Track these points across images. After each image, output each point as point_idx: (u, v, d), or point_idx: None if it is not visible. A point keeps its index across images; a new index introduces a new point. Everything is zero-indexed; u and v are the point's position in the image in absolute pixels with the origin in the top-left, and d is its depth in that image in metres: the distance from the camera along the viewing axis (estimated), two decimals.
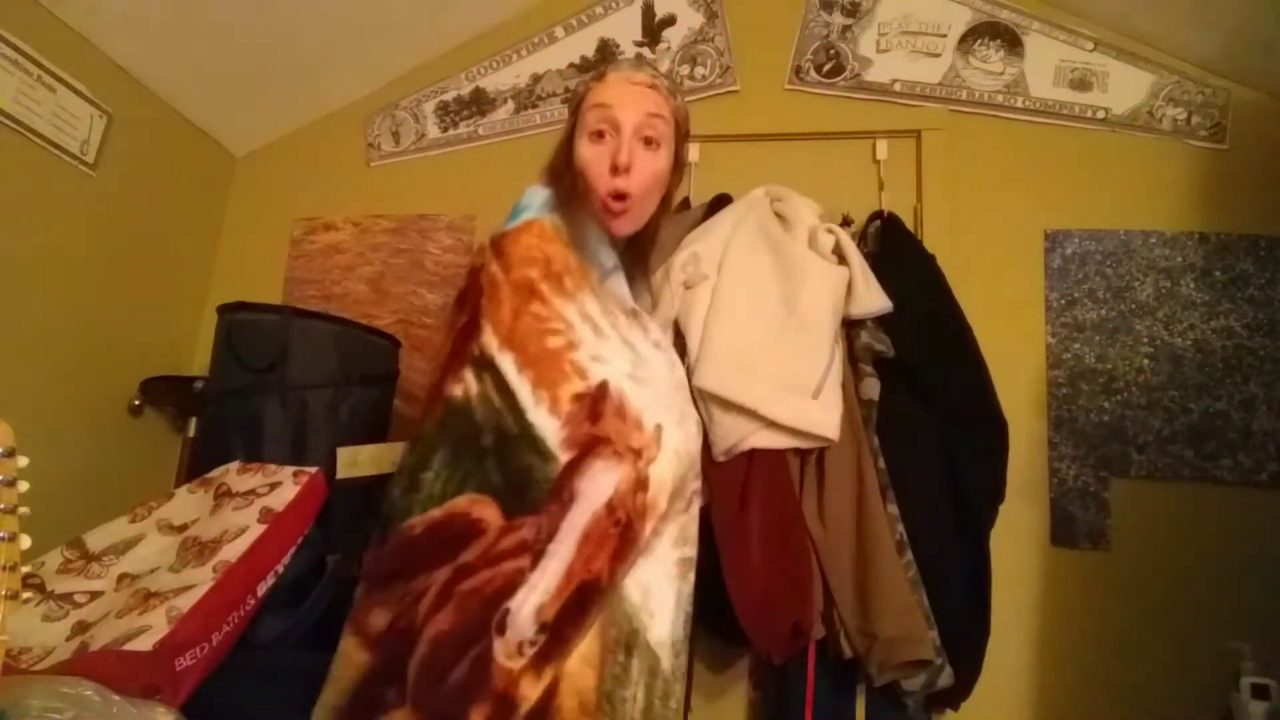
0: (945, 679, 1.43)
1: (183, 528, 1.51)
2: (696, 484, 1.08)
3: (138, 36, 1.85)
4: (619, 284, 1.12)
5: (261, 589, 1.38)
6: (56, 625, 1.33)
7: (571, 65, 2.18)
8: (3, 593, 0.75)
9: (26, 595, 0.95)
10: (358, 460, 1.59)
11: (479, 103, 2.22)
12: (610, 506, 0.96)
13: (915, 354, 1.58)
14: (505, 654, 0.85)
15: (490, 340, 0.96)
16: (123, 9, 1.77)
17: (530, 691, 0.88)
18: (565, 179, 1.10)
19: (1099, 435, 1.75)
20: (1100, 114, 1.92)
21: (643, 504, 0.97)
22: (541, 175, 1.15)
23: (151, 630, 1.24)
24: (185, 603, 1.28)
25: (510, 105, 2.20)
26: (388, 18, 2.08)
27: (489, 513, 0.92)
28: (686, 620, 1.01)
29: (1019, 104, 1.95)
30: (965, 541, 1.52)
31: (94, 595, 1.39)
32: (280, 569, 1.42)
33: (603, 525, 0.94)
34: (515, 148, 2.17)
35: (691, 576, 1.03)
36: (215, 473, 1.59)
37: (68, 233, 1.78)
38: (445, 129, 2.23)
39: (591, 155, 1.07)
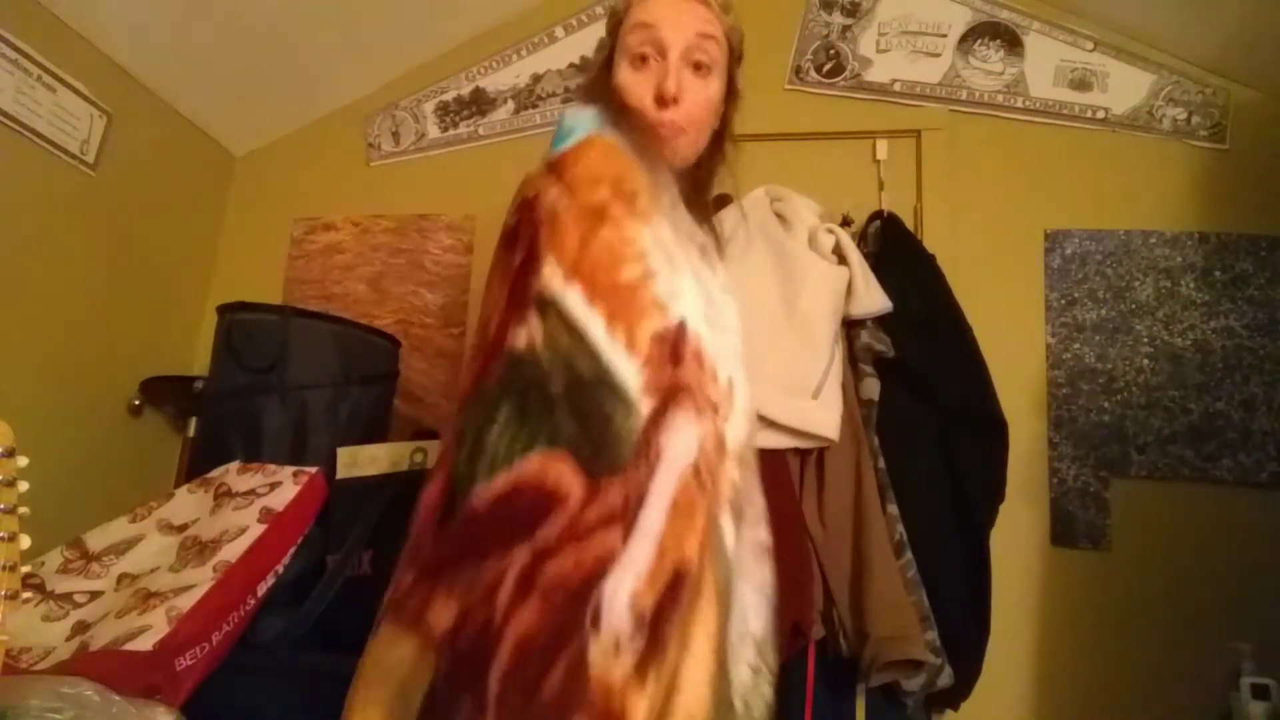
0: (945, 679, 1.43)
1: (183, 528, 1.51)
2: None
3: (138, 36, 1.85)
4: (683, 217, 0.95)
5: (261, 589, 1.38)
6: (56, 625, 1.33)
7: (571, 65, 2.18)
8: (3, 593, 0.76)
9: (26, 595, 0.95)
10: (358, 460, 1.59)
11: (479, 103, 2.22)
12: (696, 469, 0.80)
13: (915, 354, 1.58)
14: (602, 656, 0.68)
15: (554, 274, 0.79)
16: (123, 9, 1.77)
17: (636, 705, 0.69)
18: (608, 102, 0.93)
19: (1099, 435, 1.75)
20: (1100, 114, 1.92)
21: (722, 470, 0.85)
22: (577, 96, 1.02)
23: (151, 630, 1.24)
24: (185, 603, 1.28)
25: (510, 105, 2.20)
26: (388, 18, 2.08)
27: (567, 474, 0.73)
28: (772, 615, 0.87)
29: (1019, 104, 1.95)
30: (965, 541, 1.52)
31: (94, 595, 1.39)
32: (280, 569, 1.42)
33: (691, 492, 0.79)
34: (515, 148, 2.17)
35: (769, 565, 0.88)
36: (215, 473, 1.59)
37: (68, 233, 1.78)
38: (445, 129, 2.23)
39: (633, 82, 0.93)
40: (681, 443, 0.79)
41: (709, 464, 0.81)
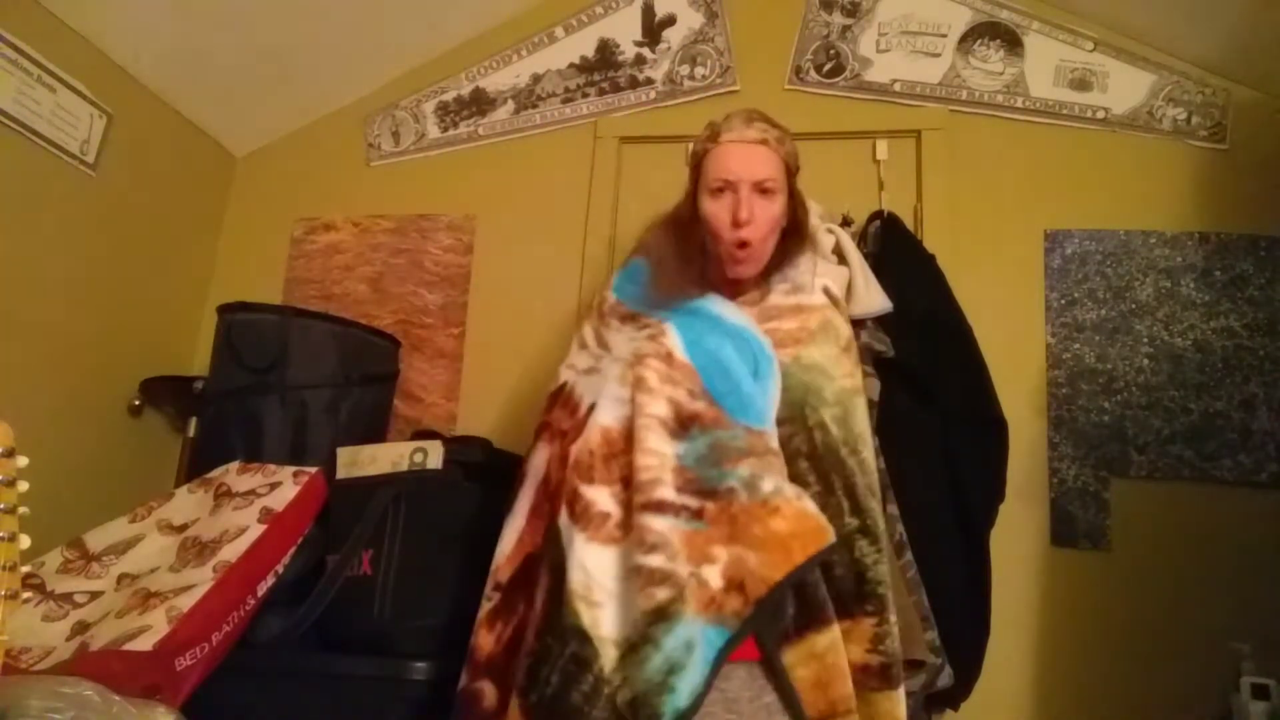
0: (945, 679, 1.43)
1: (183, 528, 1.51)
2: (642, 472, 1.08)
3: (138, 36, 1.85)
4: (685, 309, 1.29)
5: (261, 589, 1.39)
6: (56, 625, 1.33)
7: (571, 65, 2.18)
8: (3, 593, 0.76)
9: (26, 595, 0.95)
10: (358, 460, 1.59)
11: (479, 103, 2.22)
12: (545, 480, 1.22)
13: (915, 354, 1.58)
14: (480, 611, 1.20)
15: None
16: (123, 9, 1.77)
17: (483, 641, 1.17)
18: (687, 231, 1.30)
19: (1099, 435, 1.75)
20: (1100, 114, 1.92)
21: (561, 479, 1.15)
22: (652, 231, 1.45)
23: (151, 630, 1.24)
24: (185, 603, 1.28)
25: (510, 105, 2.20)
26: (388, 18, 2.08)
27: None
28: (647, 632, 0.99)
29: (1019, 104, 1.95)
30: (965, 541, 1.52)
31: (94, 595, 1.39)
32: (280, 569, 1.42)
33: (539, 499, 1.21)
34: (515, 148, 2.17)
35: (657, 594, 1.00)
36: (215, 473, 1.60)
37: (68, 233, 1.78)
38: (445, 129, 2.23)
39: (714, 209, 1.21)
40: (535, 463, 1.26)
41: (552, 476, 1.20)
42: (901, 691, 1.09)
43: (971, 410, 1.56)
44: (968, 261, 1.80)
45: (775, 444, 1.12)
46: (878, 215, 1.81)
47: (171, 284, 2.11)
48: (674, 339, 1.20)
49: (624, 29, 2.16)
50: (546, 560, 1.11)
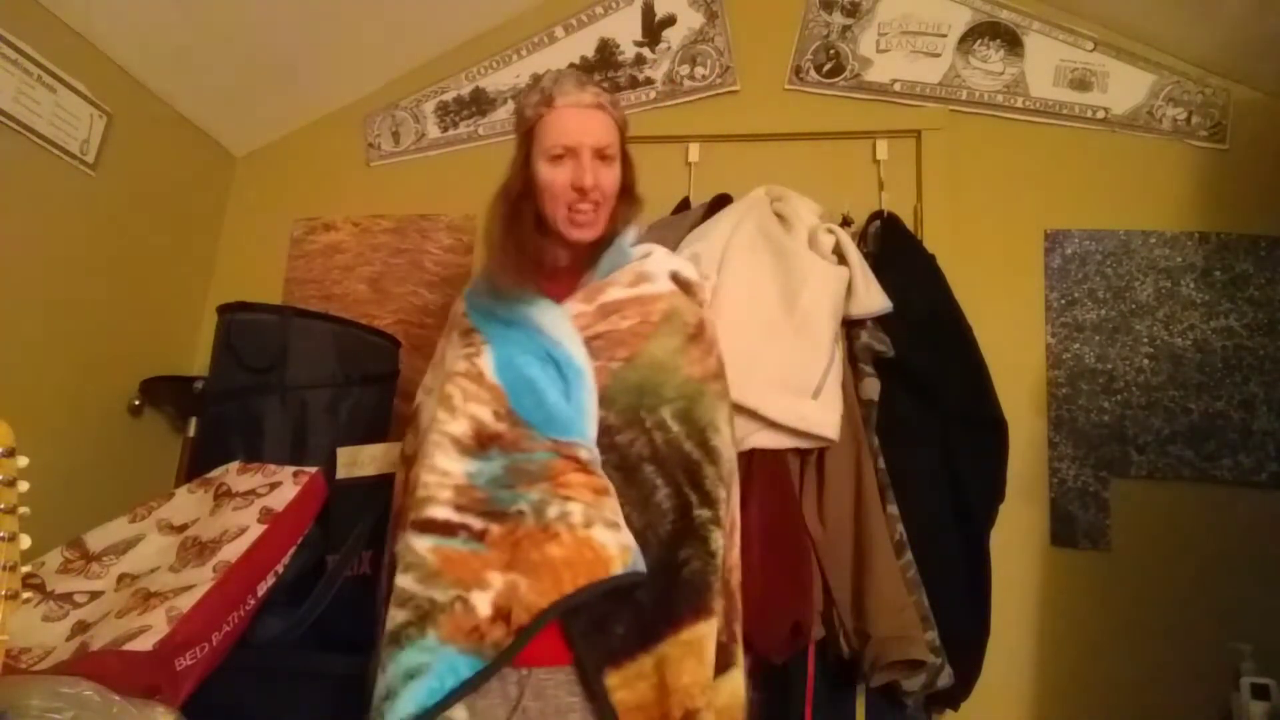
0: (945, 679, 1.43)
1: (183, 528, 1.51)
2: (419, 489, 1.10)
3: (138, 36, 1.85)
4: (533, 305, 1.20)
5: (261, 589, 1.38)
6: (56, 625, 1.33)
7: (571, 65, 2.18)
8: (3, 593, 0.76)
9: (26, 595, 0.95)
10: (358, 460, 1.59)
11: (479, 103, 2.22)
12: (399, 509, 1.24)
13: (915, 354, 1.58)
14: None
15: None
16: (123, 9, 1.77)
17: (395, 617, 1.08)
18: (518, 207, 1.19)
19: (1099, 435, 1.75)
20: (1100, 114, 1.92)
21: (403, 505, 1.20)
22: (491, 208, 1.25)
23: (151, 630, 1.24)
24: (185, 603, 1.28)
25: (510, 105, 2.20)
26: (388, 18, 2.08)
27: None
28: (382, 656, 1.00)
29: (1019, 104, 1.95)
30: (965, 542, 1.52)
31: (94, 595, 1.39)
32: (280, 569, 1.42)
33: (394, 528, 1.25)
34: None
35: (396, 616, 1.01)
36: (215, 473, 1.59)
37: (68, 233, 1.78)
38: (445, 129, 2.23)
39: (554, 175, 1.15)
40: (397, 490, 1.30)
41: (399, 503, 1.25)
42: (739, 671, 1.09)
43: (971, 410, 1.56)
44: (968, 261, 1.79)
45: (590, 457, 1.06)
46: (878, 215, 1.81)
47: (171, 284, 2.11)
48: (487, 358, 1.16)
49: (624, 29, 2.16)
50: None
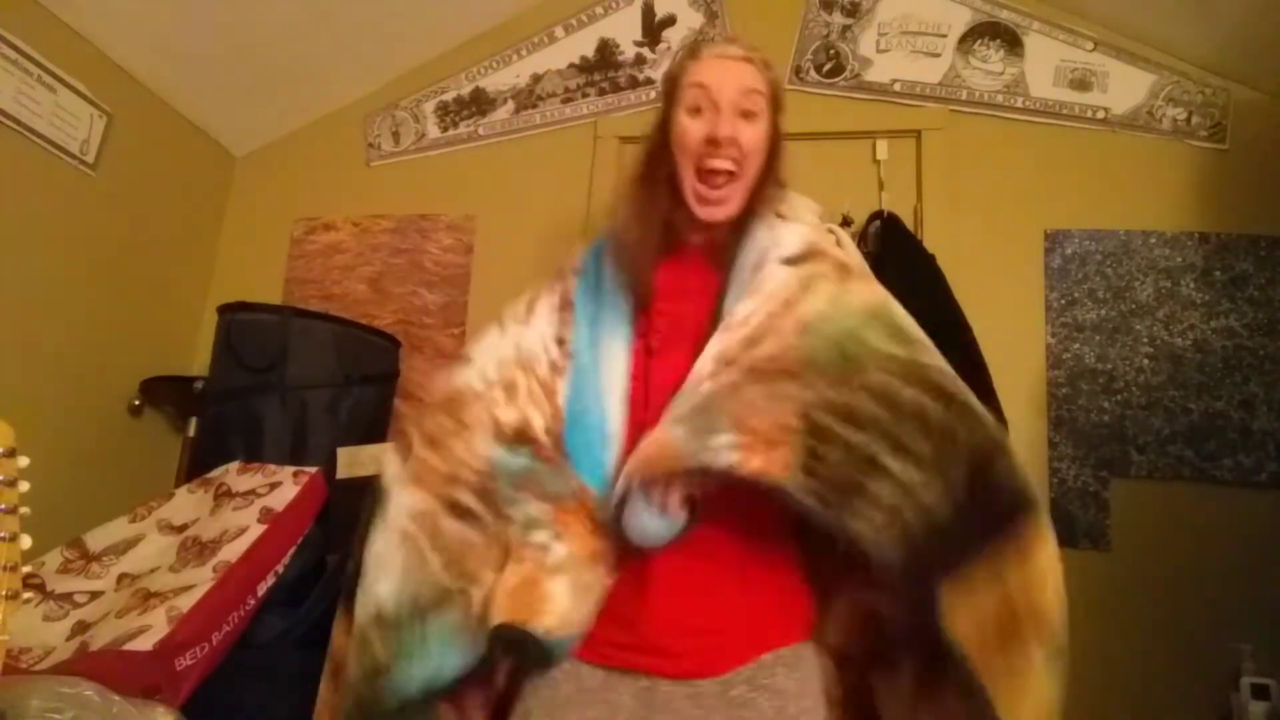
0: None
1: (183, 528, 1.51)
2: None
3: (138, 36, 1.85)
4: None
5: (261, 589, 1.38)
6: (56, 625, 1.33)
7: (571, 65, 2.18)
8: (3, 593, 0.75)
9: (26, 595, 0.95)
10: (358, 460, 1.59)
11: (479, 103, 2.22)
12: None
13: None
14: None
15: None
16: (123, 9, 1.77)
17: None
18: (654, 163, 1.07)
19: (1099, 435, 1.75)
20: (1100, 114, 1.92)
21: None
22: (630, 175, 1.15)
23: (151, 630, 1.24)
24: (185, 603, 1.28)
25: (510, 105, 2.20)
26: (388, 18, 2.08)
27: None
28: None
29: (1019, 104, 1.95)
30: None
31: (94, 595, 1.39)
32: (280, 569, 1.42)
33: None
34: (515, 148, 2.17)
35: None
36: (215, 473, 1.60)
37: (68, 233, 1.78)
38: (445, 129, 2.23)
39: (688, 124, 1.03)
40: None
41: None
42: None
43: None
44: (968, 261, 1.79)
45: (603, 518, 0.94)
46: (878, 215, 1.81)
47: (171, 284, 2.11)
48: (564, 379, 1.05)
49: (624, 29, 2.16)
50: None
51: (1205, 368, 1.74)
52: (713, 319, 1.01)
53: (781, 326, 0.96)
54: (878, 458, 0.88)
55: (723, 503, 0.93)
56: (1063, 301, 1.83)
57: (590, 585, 0.93)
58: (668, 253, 1.07)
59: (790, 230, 1.10)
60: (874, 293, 1.06)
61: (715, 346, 0.97)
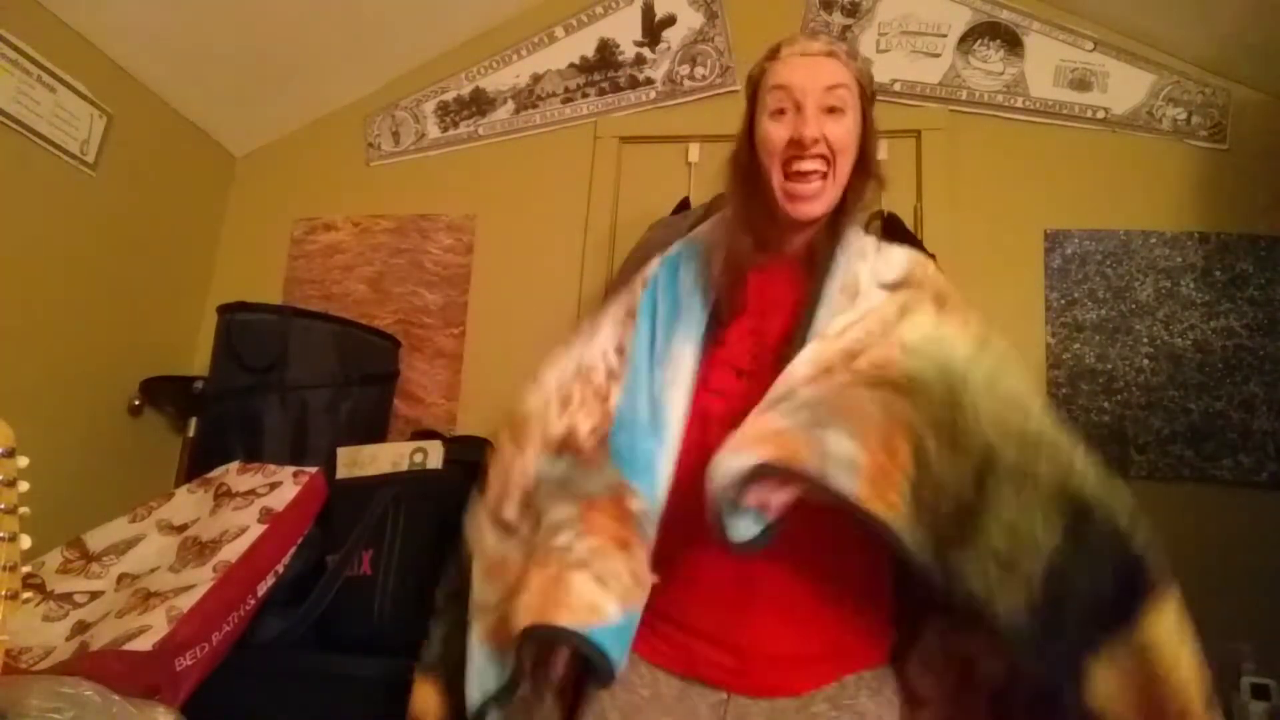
0: None
1: (183, 528, 1.51)
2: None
3: (138, 36, 1.85)
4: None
5: (261, 589, 1.38)
6: (56, 625, 1.33)
7: (571, 65, 2.18)
8: (3, 593, 0.76)
9: (26, 595, 0.95)
10: (358, 460, 1.59)
11: (479, 103, 2.22)
12: None
13: None
14: None
15: None
16: (123, 9, 1.77)
17: None
18: (745, 176, 1.04)
19: (1099, 435, 1.74)
20: (1100, 114, 1.92)
21: None
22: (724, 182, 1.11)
23: (151, 630, 1.24)
24: (185, 603, 1.28)
25: (510, 105, 2.20)
26: (388, 18, 2.08)
27: None
28: None
29: (1019, 104, 1.95)
30: None
31: (94, 595, 1.39)
32: (280, 569, 1.42)
33: None
34: (515, 148, 2.17)
35: None
36: (215, 473, 1.60)
37: (68, 233, 1.78)
38: (445, 129, 2.23)
39: (771, 129, 0.99)
40: None
41: None
42: None
43: None
44: (968, 261, 1.79)
45: (640, 509, 0.91)
46: (878, 215, 1.81)
47: (171, 284, 2.11)
48: (618, 387, 1.02)
49: (624, 29, 2.16)
50: None
51: (1205, 368, 1.74)
52: (794, 332, 0.98)
53: (882, 345, 0.92)
54: (989, 490, 0.81)
55: (814, 509, 0.87)
56: (1063, 301, 1.83)
57: (618, 573, 0.88)
58: (760, 265, 1.04)
59: (891, 254, 1.08)
60: (976, 324, 1.03)
61: (810, 353, 0.93)
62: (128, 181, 1.92)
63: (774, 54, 1.03)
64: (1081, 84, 1.94)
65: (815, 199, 0.98)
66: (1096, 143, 1.91)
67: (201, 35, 1.91)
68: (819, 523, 0.87)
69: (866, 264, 1.04)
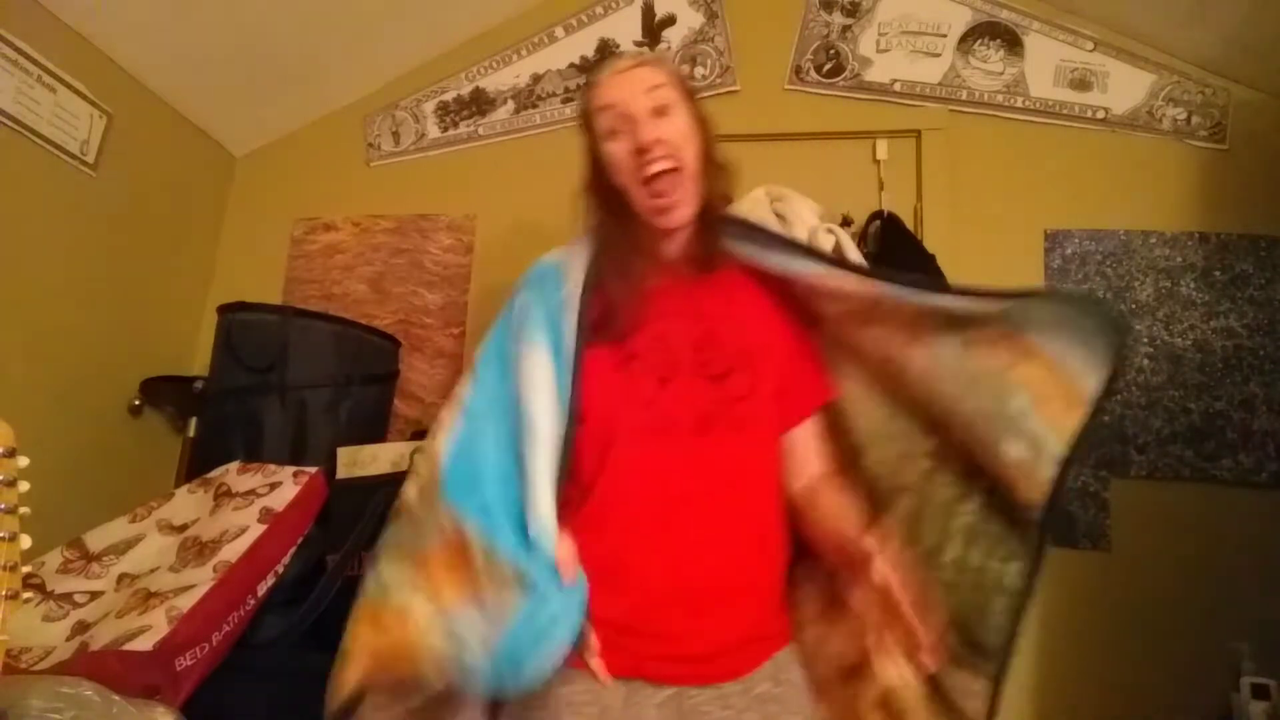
0: None
1: (183, 528, 1.51)
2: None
3: (138, 36, 1.85)
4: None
5: (261, 589, 1.38)
6: (56, 625, 1.33)
7: (571, 65, 2.18)
8: (3, 593, 0.76)
9: (26, 595, 0.95)
10: (358, 460, 1.59)
11: (479, 103, 2.22)
12: None
13: None
14: None
15: None
16: (123, 9, 1.77)
17: None
18: (605, 197, 1.07)
19: (1099, 435, 1.75)
20: (1100, 114, 1.92)
21: None
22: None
23: (151, 630, 1.24)
24: (185, 603, 1.28)
25: (510, 105, 2.20)
26: (388, 18, 2.08)
27: None
28: None
29: (1019, 104, 1.95)
30: None
31: (94, 595, 1.39)
32: (280, 569, 1.42)
33: None
34: (515, 148, 2.17)
35: None
36: (215, 473, 1.60)
37: (68, 233, 1.78)
38: (445, 129, 2.23)
39: (614, 149, 1.03)
40: None
41: None
42: None
43: None
44: (968, 261, 1.79)
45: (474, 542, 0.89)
46: (878, 215, 1.81)
47: (171, 284, 2.11)
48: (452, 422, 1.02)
49: (624, 29, 2.16)
50: None
51: (1205, 368, 1.74)
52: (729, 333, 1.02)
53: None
54: None
55: (743, 503, 0.96)
56: None
57: (465, 630, 0.85)
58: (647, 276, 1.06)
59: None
60: None
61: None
62: (128, 181, 1.92)
63: (593, 83, 1.08)
64: (1081, 84, 1.94)
65: (678, 205, 1.01)
66: (1096, 143, 1.91)
67: (201, 35, 1.91)
68: (744, 515, 0.96)
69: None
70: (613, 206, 1.06)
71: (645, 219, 1.03)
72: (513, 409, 0.98)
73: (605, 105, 1.04)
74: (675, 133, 1.01)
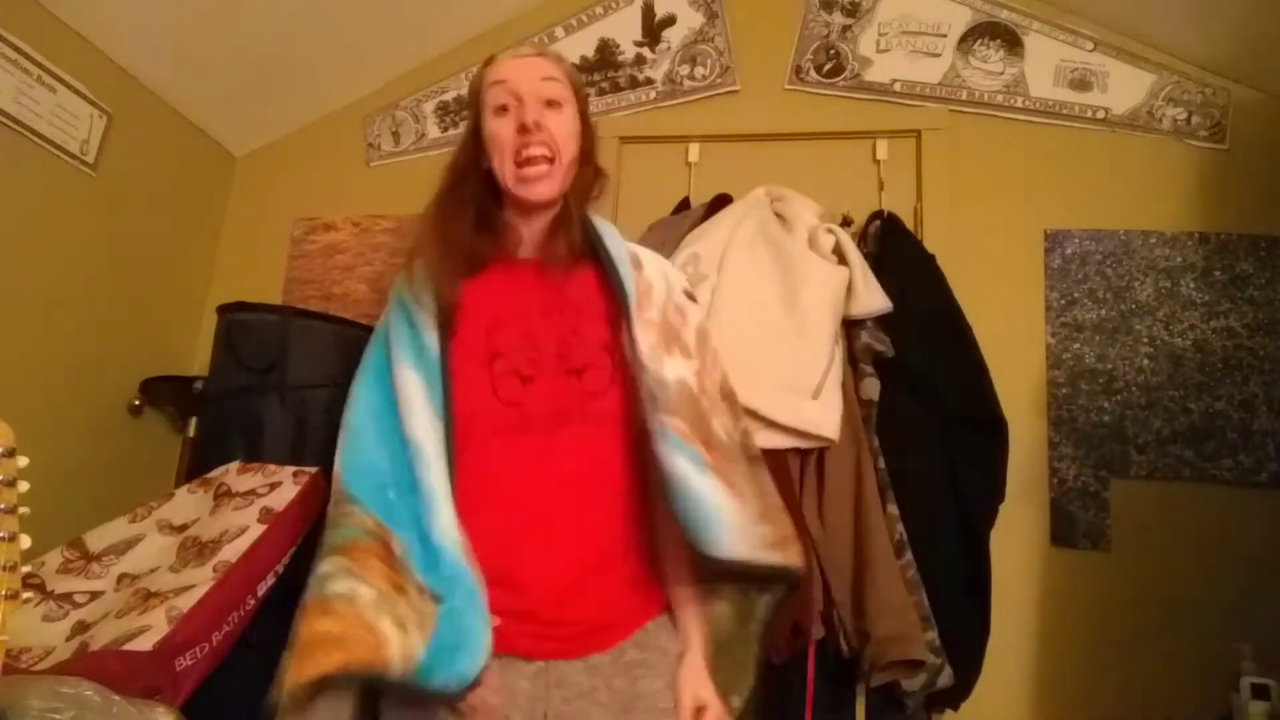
0: (945, 679, 1.43)
1: (183, 528, 1.51)
2: None
3: (138, 36, 1.85)
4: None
5: (261, 589, 1.38)
6: (56, 625, 1.33)
7: (571, 65, 2.17)
8: (3, 593, 0.76)
9: (26, 595, 0.95)
10: None
11: None
12: None
13: (915, 354, 1.58)
14: None
15: None
16: (123, 9, 1.77)
17: None
18: (461, 179, 1.09)
19: (1099, 435, 1.75)
20: (1100, 114, 1.92)
21: None
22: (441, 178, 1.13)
23: (151, 630, 1.24)
24: (185, 603, 1.28)
25: None
26: (388, 18, 2.08)
27: None
28: None
29: (1019, 104, 1.95)
30: (965, 542, 1.52)
31: (94, 595, 1.39)
32: (280, 569, 1.42)
33: None
34: None
35: None
36: (215, 473, 1.59)
37: (68, 233, 1.78)
38: (445, 129, 2.23)
39: (497, 126, 1.05)
40: None
41: None
42: None
43: (971, 410, 1.56)
44: (968, 261, 1.79)
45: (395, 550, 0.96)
46: (878, 215, 1.81)
47: (171, 284, 2.11)
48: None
49: (624, 29, 2.16)
50: None
51: (1205, 368, 1.74)
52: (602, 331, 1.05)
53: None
54: None
55: (614, 471, 1.02)
56: (1063, 301, 1.83)
57: (405, 616, 0.89)
58: (496, 270, 1.08)
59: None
60: None
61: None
62: (128, 181, 1.92)
63: (490, 61, 1.10)
64: (1081, 84, 1.94)
65: (543, 179, 1.04)
66: (1096, 143, 1.91)
67: (201, 35, 1.91)
68: (603, 505, 1.01)
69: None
70: (469, 185, 1.08)
71: (509, 195, 1.06)
72: (399, 423, 1.01)
73: (499, 80, 1.06)
74: (559, 129, 1.05)
